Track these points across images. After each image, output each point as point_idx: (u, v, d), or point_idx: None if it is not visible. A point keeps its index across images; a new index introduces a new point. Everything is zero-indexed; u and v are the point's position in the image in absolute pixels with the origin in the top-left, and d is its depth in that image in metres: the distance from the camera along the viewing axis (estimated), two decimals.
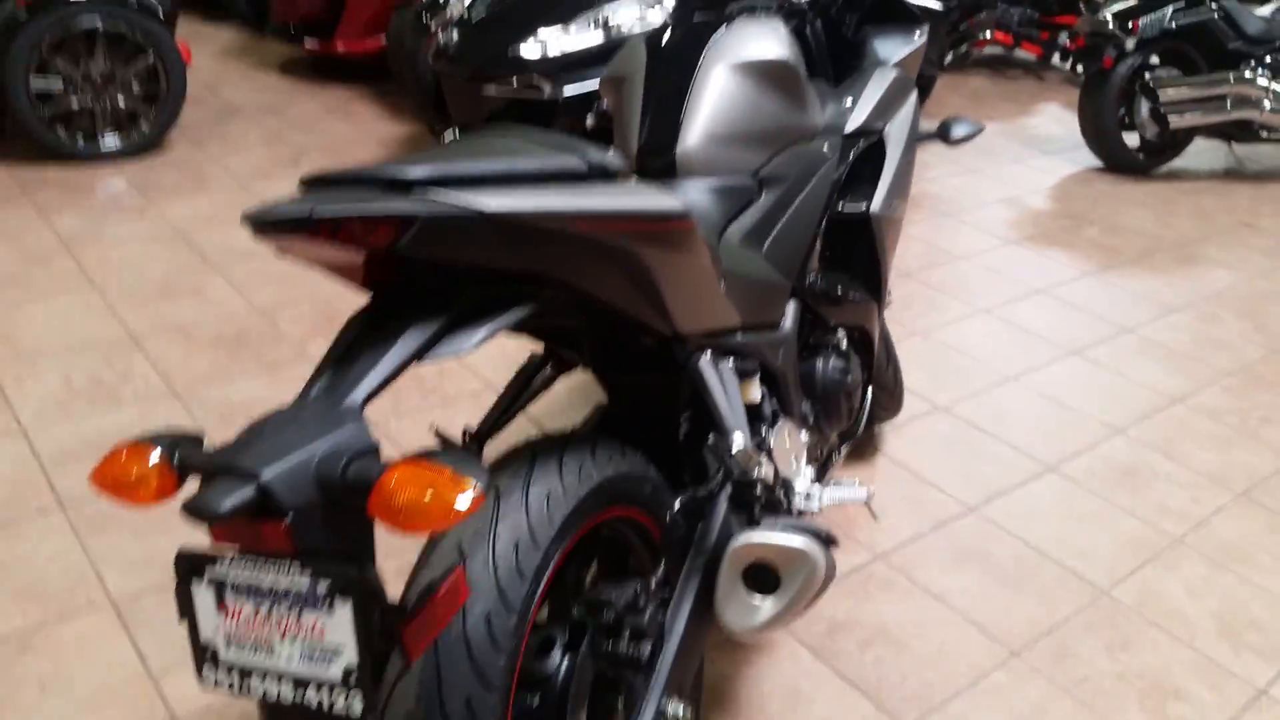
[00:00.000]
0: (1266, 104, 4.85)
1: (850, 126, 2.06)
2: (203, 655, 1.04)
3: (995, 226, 4.38)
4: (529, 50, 3.94)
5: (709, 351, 1.56)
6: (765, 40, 1.81)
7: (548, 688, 1.30)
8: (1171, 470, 2.71)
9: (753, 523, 1.61)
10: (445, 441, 1.63)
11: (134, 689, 1.83)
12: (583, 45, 3.94)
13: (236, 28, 6.72)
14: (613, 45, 3.93)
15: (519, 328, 1.37)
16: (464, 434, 1.67)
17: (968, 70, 7.09)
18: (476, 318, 1.16)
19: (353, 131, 4.98)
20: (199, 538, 2.18)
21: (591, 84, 3.90)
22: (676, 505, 1.54)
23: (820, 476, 2.10)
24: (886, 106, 2.14)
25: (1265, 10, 5.10)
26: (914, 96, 2.26)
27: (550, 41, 3.94)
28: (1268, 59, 4.89)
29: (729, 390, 1.58)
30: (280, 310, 3.21)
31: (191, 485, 1.00)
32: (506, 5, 4.12)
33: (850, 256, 2.14)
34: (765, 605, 1.43)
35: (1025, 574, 2.28)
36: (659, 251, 1.34)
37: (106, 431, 2.55)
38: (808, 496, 1.83)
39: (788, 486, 1.78)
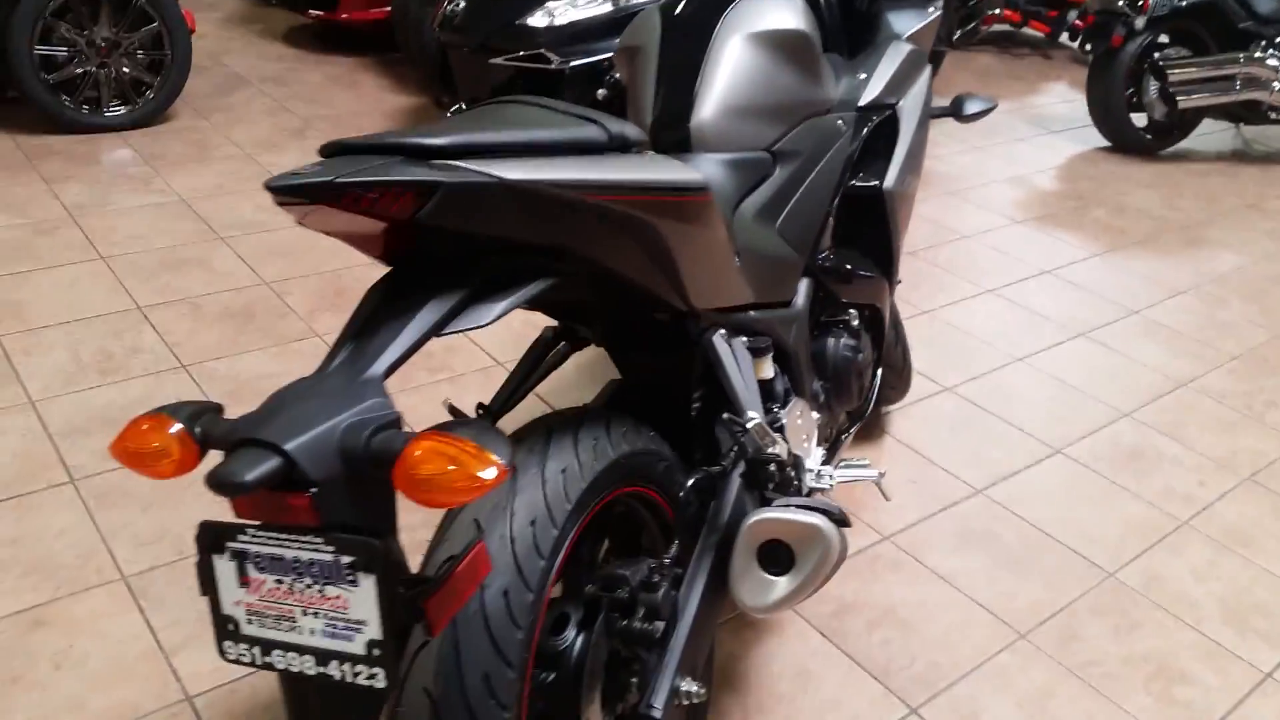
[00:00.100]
0: (1276, 85, 4.83)
1: (864, 100, 2.04)
2: (224, 629, 1.03)
3: (1002, 205, 4.36)
4: (536, 20, 3.91)
5: (722, 328, 1.56)
6: (781, 10, 1.78)
7: (563, 664, 1.30)
8: (1178, 453, 2.72)
9: (765, 501, 1.61)
10: (461, 416, 1.63)
11: (147, 665, 1.84)
12: (590, 15, 3.91)
13: None
14: (621, 15, 3.90)
15: (533, 304, 1.36)
16: (477, 409, 1.66)
17: (975, 47, 7.05)
18: (495, 291, 1.15)
19: (358, 103, 4.94)
20: (206, 512, 2.18)
21: (599, 55, 3.88)
22: (690, 483, 1.54)
23: (829, 457, 2.10)
24: (900, 81, 2.12)
25: None
26: (928, 71, 2.24)
27: (558, 12, 3.91)
28: (1278, 39, 4.85)
29: (743, 367, 1.58)
30: (288, 283, 3.20)
31: (213, 458, 0.99)
32: None
33: (862, 233, 2.13)
34: (780, 583, 1.43)
35: (1032, 556, 2.29)
36: (677, 225, 1.34)
37: (116, 405, 2.54)
38: (819, 475, 1.83)
39: (799, 465, 1.78)
